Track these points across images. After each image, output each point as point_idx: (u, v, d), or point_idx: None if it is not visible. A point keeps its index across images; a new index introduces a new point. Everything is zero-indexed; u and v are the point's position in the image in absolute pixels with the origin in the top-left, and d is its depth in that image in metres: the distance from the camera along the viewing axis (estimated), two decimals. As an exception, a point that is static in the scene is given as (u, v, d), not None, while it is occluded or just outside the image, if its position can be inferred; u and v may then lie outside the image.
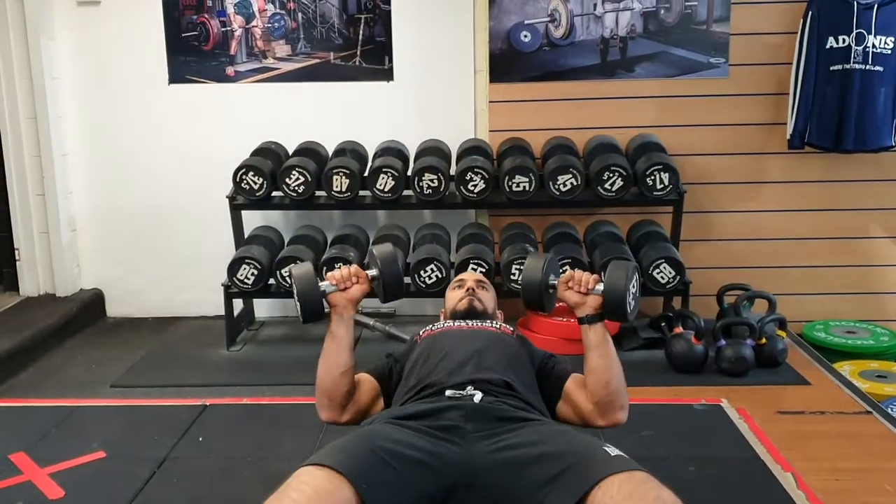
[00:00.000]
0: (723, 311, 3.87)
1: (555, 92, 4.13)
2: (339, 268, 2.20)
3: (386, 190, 3.74)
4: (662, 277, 3.66)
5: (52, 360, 3.80)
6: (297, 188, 3.75)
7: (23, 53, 4.12)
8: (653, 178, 3.73)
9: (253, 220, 4.13)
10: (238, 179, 3.79)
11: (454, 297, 2.52)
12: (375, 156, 3.95)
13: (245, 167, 3.79)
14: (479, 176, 3.71)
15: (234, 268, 3.72)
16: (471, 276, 2.65)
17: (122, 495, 2.38)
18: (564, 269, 3.35)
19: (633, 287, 2.10)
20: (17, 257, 4.38)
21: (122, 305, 4.51)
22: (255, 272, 3.70)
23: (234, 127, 4.23)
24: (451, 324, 2.37)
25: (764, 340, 3.48)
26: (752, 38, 4.03)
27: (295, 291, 2.12)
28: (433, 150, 3.95)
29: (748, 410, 2.95)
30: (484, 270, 3.62)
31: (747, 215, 4.19)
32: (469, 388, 1.95)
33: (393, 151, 3.95)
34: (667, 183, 3.74)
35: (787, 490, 2.36)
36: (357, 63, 4.17)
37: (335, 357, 2.12)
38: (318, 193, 3.82)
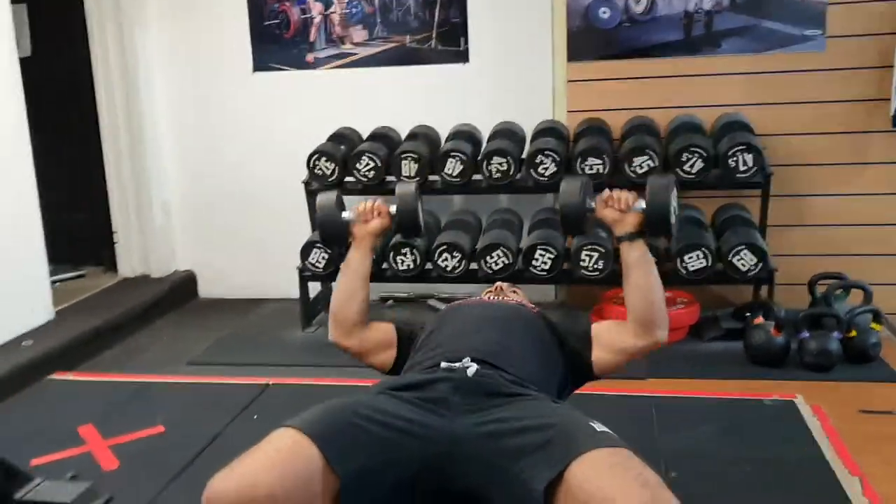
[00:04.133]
0: (815, 301, 3.62)
1: (636, 70, 3.96)
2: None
3: (454, 174, 3.70)
4: (743, 265, 3.44)
5: (138, 338, 3.98)
6: (367, 173, 3.78)
7: (118, 44, 4.32)
8: (735, 159, 3.51)
9: (332, 204, 4.18)
10: (311, 165, 3.85)
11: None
12: (447, 140, 3.92)
13: (317, 153, 3.84)
14: (550, 159, 3.61)
15: (305, 252, 3.78)
16: (502, 284, 2.65)
17: (171, 469, 2.47)
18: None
19: (675, 201, 2.07)
20: (115, 240, 4.62)
21: (214, 286, 4.69)
22: (326, 256, 3.75)
23: (315, 113, 4.30)
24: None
25: (854, 333, 3.23)
26: (851, 7, 3.72)
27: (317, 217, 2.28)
28: (505, 133, 3.87)
29: (825, 408, 2.75)
30: (552, 256, 3.53)
31: (845, 199, 3.89)
32: (466, 359, 1.90)
33: (464, 135, 3.90)
34: (751, 164, 3.51)
35: (849, 495, 2.18)
36: (433, 45, 4.14)
37: (344, 282, 2.22)
38: (388, 178, 3.83)
